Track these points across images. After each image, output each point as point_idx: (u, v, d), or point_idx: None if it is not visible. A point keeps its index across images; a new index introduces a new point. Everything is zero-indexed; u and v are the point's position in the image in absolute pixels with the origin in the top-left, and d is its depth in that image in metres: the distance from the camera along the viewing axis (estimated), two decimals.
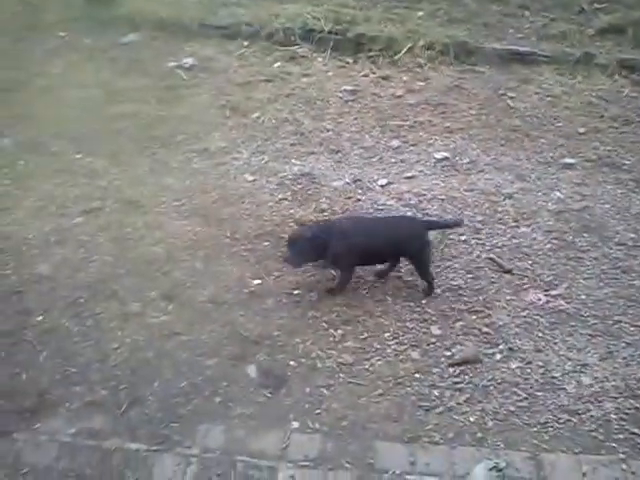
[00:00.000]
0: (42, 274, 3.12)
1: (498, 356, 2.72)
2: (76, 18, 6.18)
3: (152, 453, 2.30)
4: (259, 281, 3.09)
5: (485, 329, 2.84)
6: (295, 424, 2.42)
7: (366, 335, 2.81)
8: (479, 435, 2.37)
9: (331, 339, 2.80)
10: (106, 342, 2.74)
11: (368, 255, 3.04)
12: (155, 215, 3.56)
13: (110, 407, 2.47)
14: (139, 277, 3.10)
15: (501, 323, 2.86)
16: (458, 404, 2.50)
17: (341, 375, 2.63)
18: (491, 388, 2.57)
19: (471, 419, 2.44)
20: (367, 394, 2.53)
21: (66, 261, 3.19)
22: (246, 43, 5.83)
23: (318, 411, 2.47)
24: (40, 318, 2.88)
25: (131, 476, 2.23)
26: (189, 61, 5.41)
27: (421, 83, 5.19)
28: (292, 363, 2.67)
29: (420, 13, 6.29)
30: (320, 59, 5.59)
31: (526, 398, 2.52)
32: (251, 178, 3.93)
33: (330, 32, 5.82)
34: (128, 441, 2.34)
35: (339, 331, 2.84)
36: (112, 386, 2.55)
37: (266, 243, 3.34)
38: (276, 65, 5.47)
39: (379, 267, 3.17)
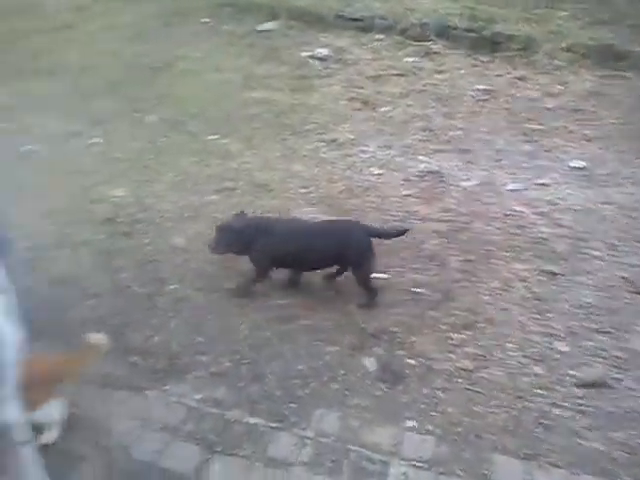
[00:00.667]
0: (177, 246, 3.30)
1: (629, 383, 2.56)
2: (219, 5, 6.47)
3: (269, 429, 2.36)
4: (381, 275, 3.09)
5: (617, 352, 2.68)
6: (410, 423, 2.40)
7: (487, 343, 2.74)
8: (605, 466, 2.24)
9: (450, 342, 2.76)
10: (231, 317, 2.86)
11: (297, 260, 2.95)
12: (283, 200, 3.66)
13: (233, 380, 2.57)
14: None
15: (636, 349, 2.70)
16: (581, 428, 2.38)
17: (459, 380, 2.58)
18: (619, 416, 2.43)
19: (595, 446, 2.31)
20: (485, 403, 2.47)
21: (199, 235, 3.35)
22: (380, 36, 5.85)
23: (433, 413, 2.44)
24: (172, 287, 3.05)
25: (248, 448, 2.30)
26: (323, 51, 5.50)
27: (559, 87, 4.99)
28: (410, 361, 2.66)
29: (562, 13, 6.03)
30: (454, 56, 5.50)
31: None
32: (377, 172, 3.94)
33: (466, 29, 5.72)
34: (248, 414, 2.42)
35: (459, 335, 2.79)
36: (235, 360, 2.65)
37: None
38: (409, 60, 5.44)
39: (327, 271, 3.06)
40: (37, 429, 2.15)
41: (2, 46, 5.65)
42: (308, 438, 2.33)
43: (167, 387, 2.54)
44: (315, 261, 2.97)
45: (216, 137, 4.31)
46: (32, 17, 6.27)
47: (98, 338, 2.30)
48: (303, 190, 3.75)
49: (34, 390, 1.91)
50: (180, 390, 2.53)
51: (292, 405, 2.46)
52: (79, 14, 6.37)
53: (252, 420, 2.41)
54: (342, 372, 2.60)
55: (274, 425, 2.38)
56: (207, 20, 6.21)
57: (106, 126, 4.50)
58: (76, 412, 2.40)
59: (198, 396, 2.50)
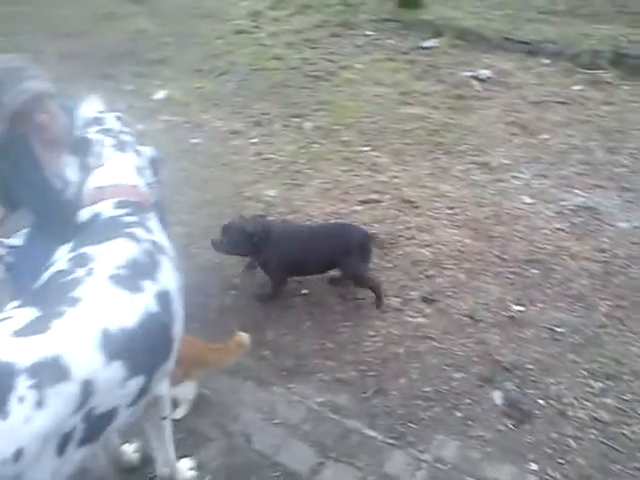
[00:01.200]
0: None
1: None
2: (385, 19, 6.56)
3: (386, 445, 2.36)
4: (521, 308, 2.97)
5: None
6: (533, 466, 2.29)
7: (631, 397, 2.54)
8: None
9: (588, 390, 2.58)
10: (363, 328, 2.89)
11: (302, 266, 3.00)
12: (427, 218, 3.63)
13: (356, 389, 2.59)
14: (403, 274, 3.19)
15: None
16: None
17: (593, 432, 2.41)
18: None
19: None
20: (622, 462, 2.29)
21: None
22: (547, 61, 5.62)
23: (561, 461, 2.30)
24: (307, 291, 3.14)
25: (363, 460, 2.31)
26: (485, 73, 5.38)
27: None
28: (541, 402, 2.53)
29: None
30: (626, 87, 5.15)
31: None
32: (529, 201, 3.79)
33: None
34: (366, 426, 2.44)
35: (599, 384, 2.60)
36: (361, 370, 2.68)
37: (534, 270, 3.19)
38: (575, 88, 5.17)
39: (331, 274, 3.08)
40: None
41: (186, 47, 6.14)
42: (424, 461, 2.30)
43: (292, 385, 2.62)
44: (321, 265, 3.02)
45: (368, 149, 4.37)
46: (214, 22, 6.75)
47: (244, 337, 2.42)
48: (449, 211, 3.70)
49: (177, 368, 2.06)
50: (303, 390, 2.60)
51: (412, 425, 2.44)
52: (254, 20, 6.75)
53: (370, 432, 2.42)
54: (467, 401, 2.54)
55: (391, 442, 2.38)
56: (371, 33, 6.32)
57: (265, 128, 4.73)
58: (205, 394, 2.55)
59: (320, 399, 2.56)
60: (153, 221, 1.90)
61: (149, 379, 1.65)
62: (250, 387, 2.62)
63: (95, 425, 1.49)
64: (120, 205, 1.85)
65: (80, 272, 1.60)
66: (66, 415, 1.39)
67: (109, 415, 1.53)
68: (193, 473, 2.25)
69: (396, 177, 4.04)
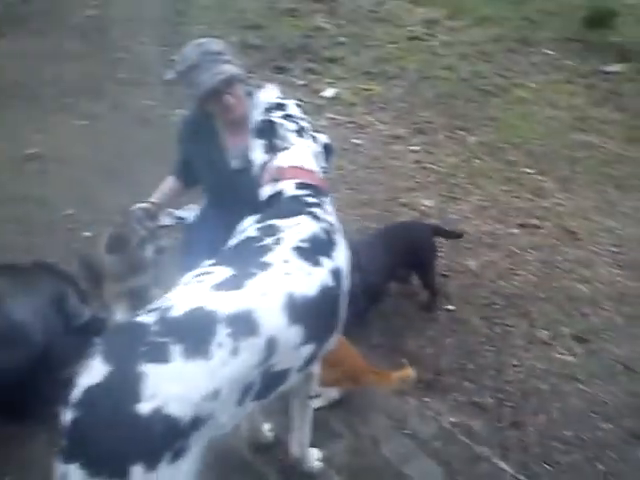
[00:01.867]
0: (469, 268, 3.34)
1: None
2: (567, 39, 6.26)
3: None
4: None
5: None
6: None
7: None
8: None
9: None
10: (507, 356, 2.80)
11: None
12: (588, 253, 3.44)
13: (492, 417, 2.53)
14: (556, 308, 3.06)
15: None
16: None
17: None
18: None
19: None
20: None
21: (493, 264, 3.35)
22: None
23: None
24: (454, 308, 3.10)
25: None
26: None
27: None
28: None
29: None
30: None
31: None
32: None
33: None
34: (498, 457, 2.37)
35: None
36: (499, 398, 2.60)
37: None
38: None
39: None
40: None
41: (359, 49, 6.26)
42: None
43: (426, 400, 2.60)
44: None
45: (532, 171, 4.22)
46: (389, 26, 6.82)
47: (410, 374, 2.41)
48: (613, 248, 3.48)
49: (332, 372, 2.11)
50: (438, 407, 2.57)
51: (547, 467, 2.33)
52: (429, 28, 6.73)
53: (501, 464, 2.34)
54: (612, 455, 2.38)
55: (523, 478, 2.29)
56: (550, 52, 6.07)
57: (427, 137, 4.72)
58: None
59: (453, 419, 2.52)
60: (329, 204, 2.00)
61: (317, 349, 1.75)
62: (384, 393, 2.64)
63: (270, 382, 1.60)
64: (301, 186, 1.96)
65: (268, 240, 1.74)
66: (251, 367, 1.50)
67: (282, 375, 1.64)
68: (320, 464, 2.32)
69: (560, 205, 3.86)
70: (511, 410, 2.55)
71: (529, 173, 4.21)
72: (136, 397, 1.29)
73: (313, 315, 1.66)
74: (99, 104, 5.04)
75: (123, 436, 1.28)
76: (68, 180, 4.12)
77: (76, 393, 1.34)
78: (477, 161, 4.36)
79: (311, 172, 2.04)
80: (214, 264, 1.66)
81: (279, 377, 1.64)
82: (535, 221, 3.70)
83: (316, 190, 1.98)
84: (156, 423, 1.29)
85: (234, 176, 2.65)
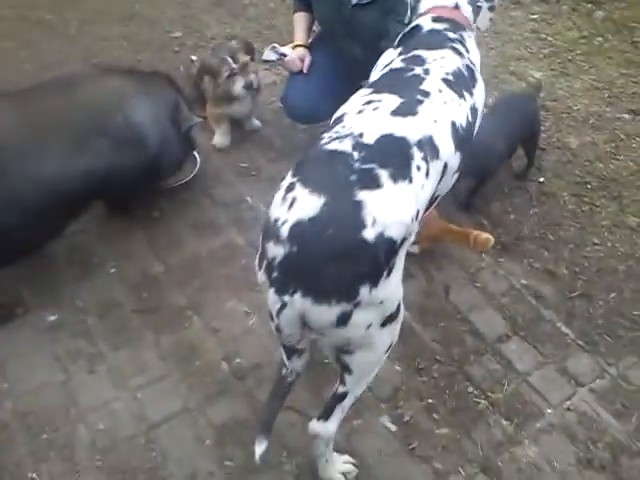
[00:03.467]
0: (568, 145, 3.26)
1: None
2: None
3: (576, 345, 2.37)
4: None
5: None
6: None
7: None
8: None
9: None
10: (590, 234, 2.81)
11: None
12: None
13: (563, 286, 2.58)
14: None
15: None
16: None
17: None
18: None
19: None
20: None
21: (593, 146, 3.27)
22: None
23: None
24: (542, 179, 3.07)
25: (549, 349, 2.36)
26: None
27: None
28: None
29: None
30: None
31: None
32: None
33: None
34: (562, 322, 2.46)
35: None
36: (574, 271, 2.64)
37: None
38: None
39: None
40: None
41: None
42: (609, 373, 2.30)
43: (502, 260, 2.68)
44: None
45: None
46: None
47: (489, 241, 2.42)
48: None
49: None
50: (512, 268, 2.65)
51: (608, 338, 2.42)
52: None
53: (564, 329, 2.44)
54: None
55: (582, 344, 2.39)
56: None
57: (550, 6, 4.41)
58: None
59: (525, 282, 2.59)
60: (471, 42, 2.03)
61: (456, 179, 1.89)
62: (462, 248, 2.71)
63: (426, 208, 1.71)
64: (437, 19, 2.00)
65: (419, 70, 1.79)
66: (433, 190, 1.65)
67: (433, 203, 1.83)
68: None
69: None
70: (584, 283, 2.61)
71: None
72: (360, 225, 1.34)
73: (465, 145, 1.76)
74: None
75: (350, 262, 1.35)
76: (178, 3, 4.16)
77: (283, 227, 1.37)
78: (599, 39, 4.08)
79: (453, 9, 2.05)
80: (375, 92, 1.70)
81: (431, 204, 1.78)
82: None
83: (455, 25, 2.00)
84: (380, 246, 1.37)
85: (352, 12, 2.63)
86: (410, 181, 1.47)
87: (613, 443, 2.09)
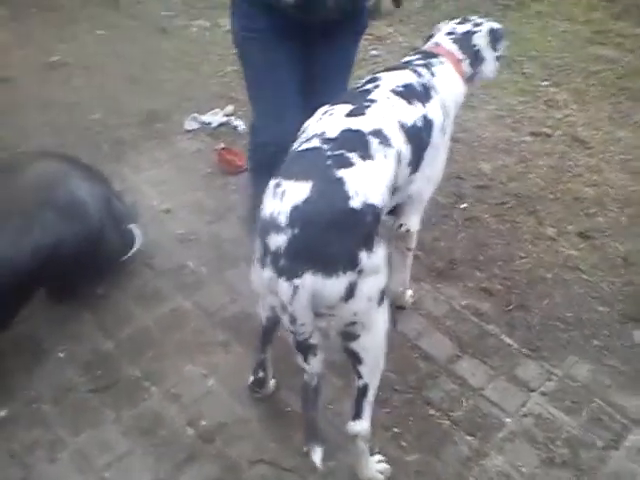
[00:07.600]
0: (482, 171, 3.50)
1: None
2: None
3: (521, 354, 2.52)
4: None
5: None
6: None
7: None
8: None
9: None
10: (515, 248, 3.00)
11: None
12: (598, 160, 3.59)
13: (499, 301, 2.75)
14: (563, 208, 3.24)
15: None
16: None
17: None
18: None
19: None
20: None
21: (505, 168, 3.51)
22: None
23: None
24: (465, 205, 3.28)
25: (496, 361, 2.48)
26: None
27: None
28: None
29: None
30: None
31: None
32: None
33: None
34: (504, 334, 2.61)
35: None
36: (507, 285, 2.82)
37: None
38: None
39: None
40: None
41: None
42: (555, 375, 2.44)
43: (439, 285, 2.82)
44: None
45: (547, 83, 4.30)
46: None
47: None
48: (623, 156, 3.62)
49: None
50: (450, 291, 2.79)
51: (548, 343, 2.57)
52: None
53: (507, 340, 2.58)
54: (606, 333, 2.61)
55: (526, 352, 2.53)
56: None
57: None
58: None
59: (464, 302, 2.74)
60: (443, 69, 2.21)
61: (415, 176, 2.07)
62: None
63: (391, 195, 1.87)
64: (417, 53, 2.31)
65: (369, 86, 2.02)
66: (392, 172, 1.80)
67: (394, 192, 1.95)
68: (411, 299, 2.70)
69: (572, 115, 3.98)
70: (518, 295, 2.77)
71: (544, 85, 4.29)
72: (346, 196, 1.56)
73: (416, 142, 1.95)
74: (117, 14, 5.09)
75: (347, 231, 1.55)
76: (93, 87, 4.24)
77: (280, 217, 1.54)
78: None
79: (434, 46, 2.31)
80: (333, 104, 1.92)
81: (394, 192, 1.93)
82: (547, 130, 3.82)
83: (427, 54, 2.25)
84: (367, 212, 1.58)
85: None
86: (374, 159, 1.71)
87: (570, 438, 2.21)
